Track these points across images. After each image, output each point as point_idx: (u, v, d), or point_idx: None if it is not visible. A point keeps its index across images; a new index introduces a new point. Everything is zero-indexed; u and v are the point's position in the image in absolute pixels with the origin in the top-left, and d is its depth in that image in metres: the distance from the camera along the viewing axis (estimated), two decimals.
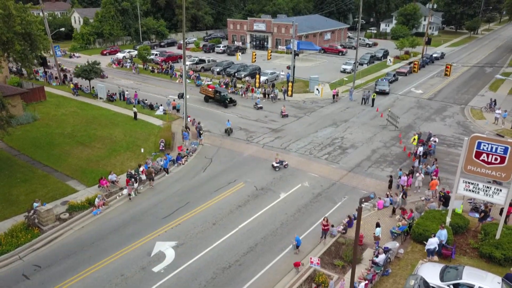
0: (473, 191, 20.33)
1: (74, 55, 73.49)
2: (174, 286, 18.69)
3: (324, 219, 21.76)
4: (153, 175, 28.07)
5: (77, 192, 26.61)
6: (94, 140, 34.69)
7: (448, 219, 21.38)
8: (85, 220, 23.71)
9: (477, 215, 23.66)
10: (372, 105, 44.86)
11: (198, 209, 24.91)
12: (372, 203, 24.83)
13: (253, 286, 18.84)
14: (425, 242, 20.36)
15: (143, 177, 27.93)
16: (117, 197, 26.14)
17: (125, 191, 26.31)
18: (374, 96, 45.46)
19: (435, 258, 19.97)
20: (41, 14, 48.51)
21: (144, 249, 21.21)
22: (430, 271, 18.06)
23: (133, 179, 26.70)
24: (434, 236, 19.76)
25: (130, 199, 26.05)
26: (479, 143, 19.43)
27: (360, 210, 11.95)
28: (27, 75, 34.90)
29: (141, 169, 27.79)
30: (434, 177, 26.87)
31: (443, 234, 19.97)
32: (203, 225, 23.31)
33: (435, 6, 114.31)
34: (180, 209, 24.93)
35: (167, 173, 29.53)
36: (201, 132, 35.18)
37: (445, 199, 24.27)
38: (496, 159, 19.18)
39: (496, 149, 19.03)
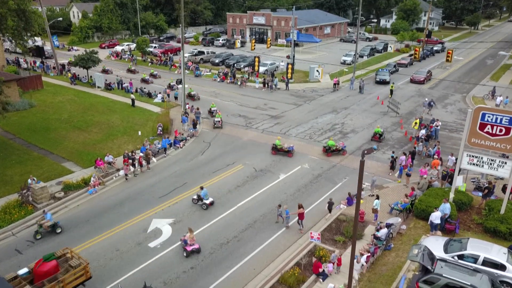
0: (477, 164, 19.84)
1: (72, 48, 73.03)
2: (170, 261, 18.18)
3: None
4: (150, 157, 27.55)
5: (72, 173, 26.11)
6: (91, 126, 34.21)
7: (452, 195, 20.88)
8: (80, 199, 23.22)
9: (480, 194, 23.17)
10: (391, 95, 43.66)
11: (196, 188, 24.36)
12: (374, 183, 24.31)
13: (252, 261, 18.34)
14: (428, 218, 19.87)
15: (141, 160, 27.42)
16: (114, 177, 25.65)
17: (121, 172, 25.82)
18: (392, 87, 44.65)
19: (439, 233, 19.46)
20: (39, 9, 47.84)
21: (140, 226, 20.72)
22: (434, 244, 17.54)
23: (130, 160, 26.22)
24: (437, 210, 19.24)
25: (126, 179, 25.55)
26: (484, 114, 18.95)
27: (362, 164, 11.47)
28: (22, 54, 34.16)
29: (137, 157, 27.15)
30: (435, 157, 26.37)
31: (446, 207, 19.47)
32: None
33: (435, 0, 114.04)
34: (178, 189, 24.45)
35: (165, 153, 29.08)
36: (196, 122, 34.18)
37: (449, 177, 23.78)
38: (501, 131, 18.69)
39: (501, 120, 18.54)
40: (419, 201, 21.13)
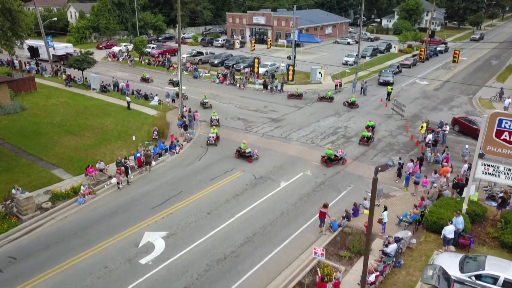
0: (493, 174, 18.48)
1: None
2: (163, 280, 16.81)
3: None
4: (151, 159, 26.33)
5: (62, 181, 24.74)
6: (83, 130, 32.86)
7: (465, 207, 19.51)
8: (68, 210, 21.83)
9: (494, 203, 21.83)
10: (388, 98, 42.57)
11: (191, 198, 23.05)
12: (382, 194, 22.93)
13: (251, 279, 16.97)
14: (439, 232, 18.51)
15: (133, 164, 26.13)
16: (105, 186, 24.28)
17: (113, 180, 24.45)
18: (390, 89, 43.30)
19: (452, 248, 18.10)
20: (31, 8, 46.45)
21: (131, 239, 19.34)
22: (448, 261, 16.19)
23: (123, 168, 24.86)
24: (451, 223, 17.85)
25: (118, 188, 24.17)
26: (501, 121, 17.58)
27: (375, 182, 10.15)
28: (9, 55, 32.76)
29: (130, 163, 25.77)
30: (445, 164, 24.99)
31: (459, 221, 18.10)
32: (197, 214, 21.44)
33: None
34: (172, 198, 23.06)
35: (160, 157, 27.83)
36: (187, 124, 32.80)
37: (459, 187, 22.45)
38: None
39: None
40: (430, 213, 19.75)
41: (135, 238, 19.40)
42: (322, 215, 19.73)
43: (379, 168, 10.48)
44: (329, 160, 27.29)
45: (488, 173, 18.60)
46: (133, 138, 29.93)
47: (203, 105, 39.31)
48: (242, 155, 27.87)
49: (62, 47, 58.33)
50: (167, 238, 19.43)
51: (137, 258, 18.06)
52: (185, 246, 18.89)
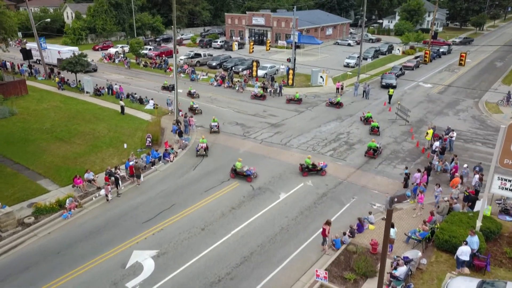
0: (510, 189, 17.00)
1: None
2: None
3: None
4: (140, 171, 24.77)
5: (48, 192, 23.29)
6: (74, 136, 31.41)
7: (479, 223, 18.04)
8: (52, 225, 20.37)
9: (508, 218, 20.41)
10: (389, 103, 41.33)
11: (185, 212, 21.60)
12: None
13: None
14: (452, 251, 17.06)
15: (124, 174, 24.67)
16: (93, 198, 22.82)
17: (102, 192, 22.99)
18: (391, 92, 41.92)
19: (466, 270, 16.63)
20: (25, 9, 44.99)
21: (119, 259, 17.88)
22: (463, 287, 14.72)
23: (112, 178, 23.41)
24: (466, 244, 16.37)
25: (107, 200, 22.71)
26: None
27: (389, 214, 8.70)
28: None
29: (121, 173, 24.34)
30: (456, 174, 23.52)
31: (474, 242, 16.62)
32: (190, 230, 19.98)
33: (440, 0, 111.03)
34: (164, 212, 21.60)
35: (153, 166, 26.40)
36: (180, 130, 31.22)
37: (470, 201, 21.00)
38: None
39: None
40: (441, 230, 18.28)
41: (122, 258, 17.94)
42: (324, 233, 18.31)
43: (395, 200, 9.04)
44: (307, 170, 25.67)
45: (506, 188, 17.12)
46: (125, 146, 28.45)
47: (193, 110, 37.32)
48: (240, 175, 25.29)
49: (67, 50, 55.11)
50: (157, 258, 17.96)
51: (124, 281, 16.60)
52: (176, 267, 17.44)
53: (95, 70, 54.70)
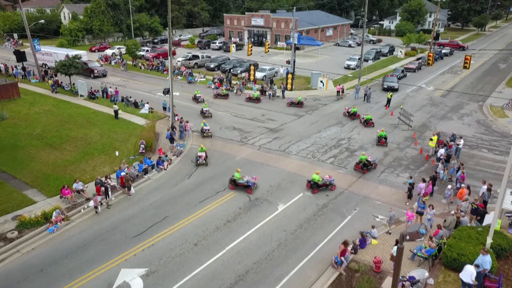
0: None
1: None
2: None
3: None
4: (130, 183, 23.59)
5: (34, 203, 22.15)
6: (65, 142, 30.28)
7: (489, 240, 16.91)
8: (37, 240, 19.24)
9: None
10: (388, 105, 40.34)
11: (177, 225, 20.47)
12: (391, 220, 20.32)
13: None
14: (461, 270, 15.89)
15: (114, 183, 23.56)
16: (82, 210, 21.69)
17: (91, 203, 21.86)
18: (390, 95, 40.85)
19: None
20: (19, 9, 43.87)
21: (105, 278, 16.74)
22: None
23: (103, 188, 22.29)
24: (477, 266, 15.18)
25: (96, 212, 21.58)
26: None
27: (400, 252, 7.60)
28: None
29: (111, 183, 23.25)
30: (463, 184, 22.38)
31: (486, 261, 15.46)
32: (182, 246, 18.85)
33: (442, 0, 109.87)
34: (156, 225, 20.47)
35: (146, 174, 25.26)
36: (178, 136, 29.96)
37: (479, 215, 19.86)
38: None
39: None
40: (449, 247, 17.15)
41: (109, 277, 16.81)
42: (345, 253, 17.34)
43: (407, 237, 7.93)
44: (316, 186, 23.80)
45: None
46: (117, 153, 27.32)
47: (203, 114, 36.44)
48: (239, 186, 23.91)
49: (75, 54, 53.84)
50: (146, 277, 16.83)
51: None
52: (167, 286, 16.31)
53: (104, 76, 51.78)
